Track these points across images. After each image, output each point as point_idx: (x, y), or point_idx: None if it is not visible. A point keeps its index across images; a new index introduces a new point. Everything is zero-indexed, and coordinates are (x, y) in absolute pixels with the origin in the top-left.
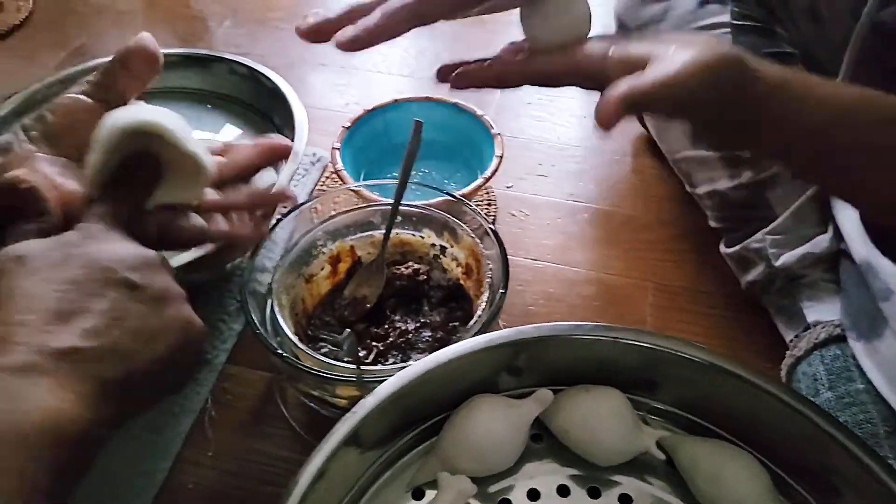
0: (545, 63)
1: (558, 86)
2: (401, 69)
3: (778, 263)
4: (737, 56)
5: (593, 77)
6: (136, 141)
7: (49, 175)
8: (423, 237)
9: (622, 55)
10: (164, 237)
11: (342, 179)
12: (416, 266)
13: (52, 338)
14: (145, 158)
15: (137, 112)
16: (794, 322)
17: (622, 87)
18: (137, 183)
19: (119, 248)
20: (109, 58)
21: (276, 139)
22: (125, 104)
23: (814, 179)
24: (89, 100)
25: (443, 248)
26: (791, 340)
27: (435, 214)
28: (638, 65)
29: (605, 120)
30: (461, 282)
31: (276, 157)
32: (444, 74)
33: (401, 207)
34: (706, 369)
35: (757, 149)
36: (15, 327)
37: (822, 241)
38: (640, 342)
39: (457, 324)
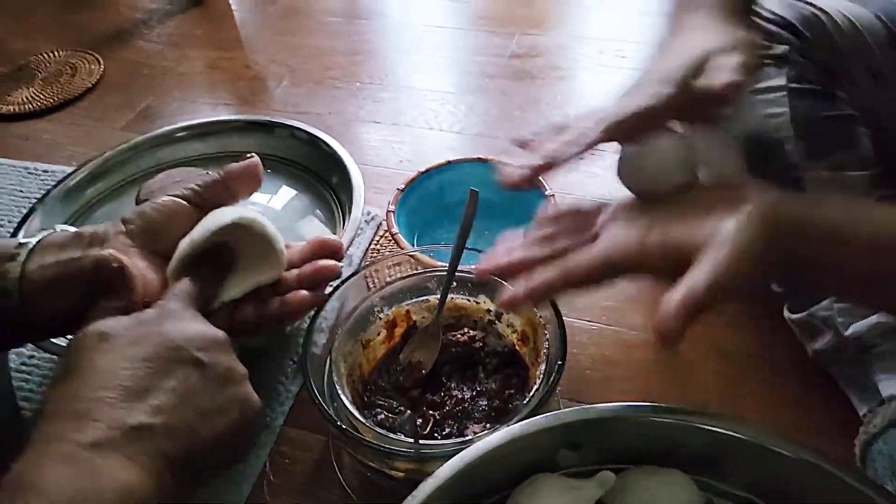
0: (577, 272)
1: (603, 283)
2: (451, 126)
3: (848, 333)
4: (782, 223)
5: (635, 269)
6: (219, 235)
7: (138, 266)
8: (478, 302)
9: (660, 245)
10: (235, 326)
11: (398, 244)
12: (472, 332)
13: (126, 414)
14: (222, 247)
15: (222, 216)
16: (868, 395)
17: (677, 298)
18: (214, 267)
19: (191, 328)
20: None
21: (328, 238)
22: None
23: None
24: (188, 204)
25: (498, 314)
26: (864, 415)
27: (490, 280)
28: (682, 254)
29: (669, 337)
30: (517, 348)
31: (327, 253)
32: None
33: (456, 273)
34: (775, 455)
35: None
36: (93, 403)
37: None
38: (704, 425)
39: (513, 391)
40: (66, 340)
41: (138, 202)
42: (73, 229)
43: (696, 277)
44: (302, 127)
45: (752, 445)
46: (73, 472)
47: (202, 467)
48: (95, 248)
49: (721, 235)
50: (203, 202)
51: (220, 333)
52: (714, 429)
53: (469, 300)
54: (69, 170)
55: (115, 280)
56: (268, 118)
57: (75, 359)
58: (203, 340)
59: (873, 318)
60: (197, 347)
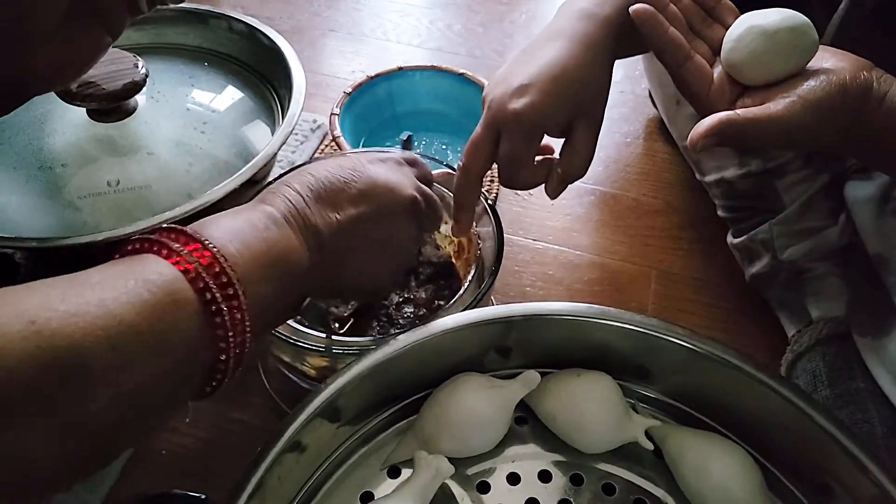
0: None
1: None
2: (411, 39)
3: (784, 256)
4: (861, 86)
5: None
6: None
7: None
8: None
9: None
10: None
11: (339, 146)
12: None
13: (309, 213)
14: None
15: None
16: (797, 317)
17: (720, 115)
18: None
19: (390, 179)
20: None
21: None
22: None
23: None
24: None
25: None
26: (793, 335)
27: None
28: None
29: (693, 144)
30: (452, 260)
31: None
32: None
33: None
34: (702, 358)
35: (857, 159)
36: (291, 191)
37: (831, 234)
38: (635, 327)
39: (442, 303)
40: None
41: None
42: None
43: (749, 109)
44: (240, 18)
45: (680, 348)
46: (264, 220)
47: (336, 287)
48: None
49: (797, 87)
50: None
51: (411, 196)
52: (645, 331)
53: None
54: None
55: None
56: (204, 7)
57: None
58: (395, 192)
59: (809, 243)
60: (386, 193)
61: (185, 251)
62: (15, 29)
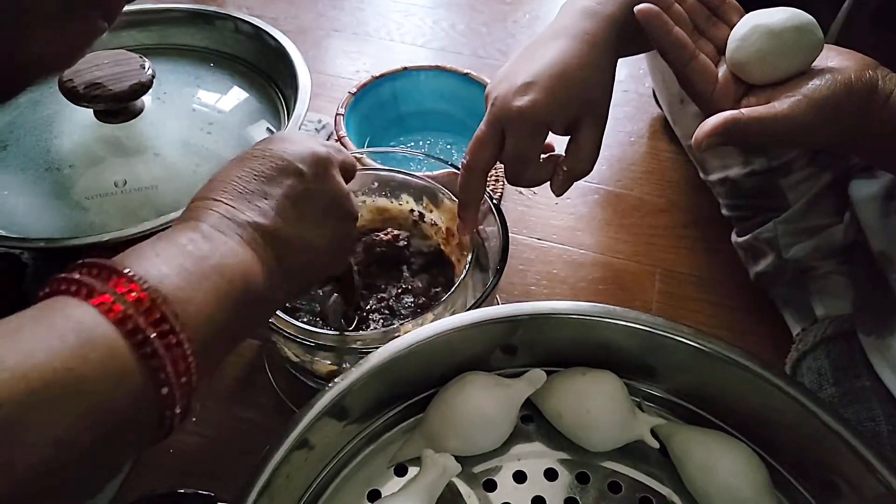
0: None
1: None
2: (415, 38)
3: (788, 254)
4: (866, 84)
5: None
6: None
7: None
8: (401, 204)
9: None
10: None
11: (345, 147)
12: (396, 232)
13: (237, 212)
14: None
15: None
16: (802, 315)
17: (725, 114)
18: None
19: (297, 146)
20: None
21: None
22: None
23: None
24: None
25: (421, 215)
26: (798, 334)
27: (412, 180)
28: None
29: (698, 143)
30: (442, 247)
31: None
32: None
33: (379, 173)
34: (708, 357)
35: (862, 157)
36: (210, 201)
37: (835, 233)
38: (640, 325)
39: (439, 289)
40: None
41: (62, 84)
42: None
43: (754, 108)
44: (246, 19)
45: (685, 347)
46: (194, 237)
47: (303, 273)
48: None
49: (802, 86)
50: None
51: (324, 151)
52: (650, 330)
53: (392, 201)
54: None
55: None
56: (211, 9)
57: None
58: (307, 156)
59: (814, 241)
60: (300, 161)
61: (108, 289)
62: (16, 11)
